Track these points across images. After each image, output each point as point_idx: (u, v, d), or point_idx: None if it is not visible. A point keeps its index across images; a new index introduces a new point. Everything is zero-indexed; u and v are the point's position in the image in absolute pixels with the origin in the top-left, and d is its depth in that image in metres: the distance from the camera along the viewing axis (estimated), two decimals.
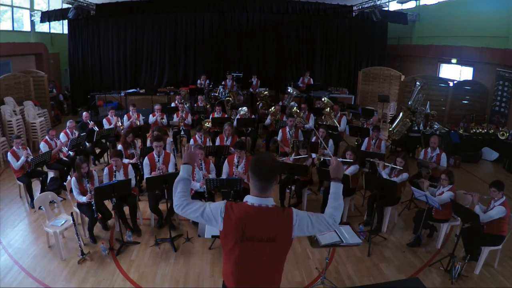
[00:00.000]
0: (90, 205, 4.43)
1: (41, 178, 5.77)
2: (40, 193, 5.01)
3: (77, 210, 4.71)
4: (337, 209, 2.05)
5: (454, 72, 11.03)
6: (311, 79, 11.51)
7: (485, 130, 8.19)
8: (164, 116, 7.85)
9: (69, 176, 6.08)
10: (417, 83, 8.27)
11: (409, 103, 8.39)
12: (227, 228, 1.94)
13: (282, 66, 12.90)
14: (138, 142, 6.59)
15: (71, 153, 6.37)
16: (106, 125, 7.39)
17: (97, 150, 7.23)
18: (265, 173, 1.91)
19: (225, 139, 6.37)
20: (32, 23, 11.03)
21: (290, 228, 1.94)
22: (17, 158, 5.47)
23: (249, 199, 1.97)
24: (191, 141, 6.50)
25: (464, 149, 7.91)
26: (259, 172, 1.91)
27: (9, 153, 5.50)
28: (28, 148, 5.74)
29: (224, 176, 5.11)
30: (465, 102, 9.65)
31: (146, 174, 5.00)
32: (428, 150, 5.76)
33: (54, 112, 10.58)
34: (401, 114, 8.09)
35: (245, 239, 1.92)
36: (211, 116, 8.06)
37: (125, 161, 5.51)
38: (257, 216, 1.93)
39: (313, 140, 6.80)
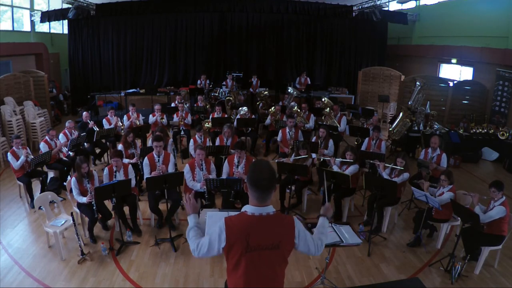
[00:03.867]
0: (90, 205, 4.42)
1: (41, 178, 5.76)
2: (40, 193, 5.01)
3: (77, 210, 4.71)
4: (324, 236, 2.32)
5: (454, 72, 11.03)
6: (308, 79, 11.50)
7: (485, 130, 8.20)
8: (164, 116, 7.85)
9: (69, 176, 6.08)
10: (417, 83, 8.28)
11: (409, 103, 8.39)
12: (231, 242, 1.92)
13: (282, 66, 12.91)
14: (138, 142, 6.59)
15: (71, 153, 6.37)
16: (106, 125, 7.39)
17: (97, 150, 7.24)
18: (264, 183, 1.90)
19: (225, 140, 6.37)
20: (32, 23, 11.04)
21: (292, 234, 2.02)
22: (17, 158, 5.47)
23: (249, 209, 1.95)
24: (191, 141, 6.50)
25: (464, 149, 7.91)
26: (257, 183, 1.90)
27: (9, 153, 5.50)
28: (27, 148, 5.73)
29: (224, 176, 5.11)
30: (465, 102, 9.65)
31: (146, 174, 5.00)
32: (429, 150, 5.75)
33: (54, 112, 10.58)
34: (401, 114, 8.09)
35: (250, 250, 1.91)
36: (211, 116, 8.06)
37: (125, 161, 5.51)
38: (259, 226, 1.93)
39: (313, 140, 6.81)
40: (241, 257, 1.93)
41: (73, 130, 6.75)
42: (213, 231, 1.98)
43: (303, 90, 11.05)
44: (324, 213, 2.46)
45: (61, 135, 6.54)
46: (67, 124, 6.74)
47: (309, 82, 11.43)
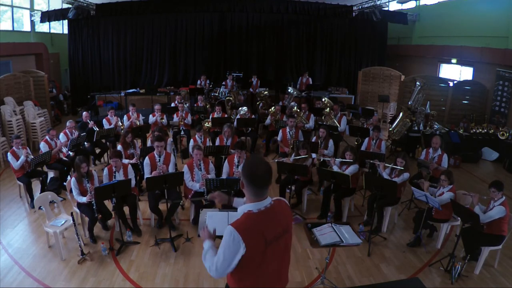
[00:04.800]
0: (90, 205, 4.43)
1: (41, 178, 5.76)
2: (40, 193, 5.01)
3: (77, 210, 4.71)
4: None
5: (454, 72, 11.03)
6: (310, 79, 11.50)
7: (485, 130, 8.19)
8: (164, 116, 7.85)
9: (69, 176, 6.08)
10: (417, 83, 8.27)
11: (409, 103, 8.39)
12: (251, 245, 1.85)
13: (282, 66, 12.91)
14: (138, 142, 6.59)
15: (70, 153, 6.36)
16: (106, 125, 7.38)
17: (97, 150, 7.24)
18: (261, 179, 1.89)
19: (225, 140, 6.37)
20: (32, 23, 11.04)
21: (290, 211, 2.15)
22: (17, 158, 5.47)
23: (251, 207, 1.93)
24: (191, 141, 6.50)
25: (464, 149, 7.91)
26: (254, 179, 1.89)
27: (9, 153, 5.50)
28: (27, 148, 5.73)
29: (224, 176, 5.11)
30: (465, 102, 9.65)
31: (147, 174, 5.00)
32: (430, 150, 5.75)
33: (54, 112, 10.58)
34: (401, 114, 8.09)
35: (269, 244, 1.92)
36: (211, 116, 8.06)
37: (125, 161, 5.51)
38: (269, 218, 1.95)
39: (313, 140, 6.81)
40: (263, 254, 1.92)
41: (73, 130, 6.76)
42: (227, 240, 1.86)
43: (301, 90, 11.05)
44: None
45: (61, 135, 6.55)
46: (68, 124, 6.74)
47: (311, 83, 11.43)
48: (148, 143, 6.88)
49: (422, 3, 12.10)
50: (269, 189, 2.01)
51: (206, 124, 8.21)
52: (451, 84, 9.83)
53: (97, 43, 11.85)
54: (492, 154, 8.07)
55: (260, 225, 1.91)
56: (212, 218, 2.94)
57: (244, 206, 1.97)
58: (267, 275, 2.00)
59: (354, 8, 12.10)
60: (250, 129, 7.96)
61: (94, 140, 6.92)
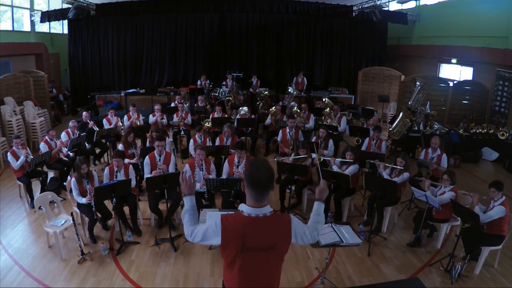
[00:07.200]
0: (90, 205, 4.43)
1: (41, 178, 5.76)
2: (40, 193, 5.01)
3: (77, 210, 4.70)
4: (320, 223, 2.21)
5: (454, 72, 11.03)
6: (305, 79, 11.48)
7: (485, 130, 8.19)
8: (164, 116, 7.85)
9: (69, 176, 6.08)
10: (417, 83, 8.27)
11: (409, 103, 8.39)
12: (226, 241, 1.91)
13: (282, 66, 12.92)
14: (138, 142, 6.59)
15: (70, 153, 6.36)
16: (106, 125, 7.38)
17: (97, 150, 7.23)
18: (262, 184, 1.87)
19: (225, 140, 6.37)
20: (32, 23, 11.05)
21: (289, 234, 1.98)
22: (17, 158, 5.46)
23: (245, 209, 1.93)
24: (191, 141, 6.50)
25: (464, 149, 7.91)
26: (255, 183, 1.87)
27: (9, 153, 5.50)
28: (27, 148, 5.73)
29: (224, 176, 5.11)
30: (465, 102, 9.65)
31: (147, 174, 5.00)
32: (429, 150, 5.74)
33: (54, 112, 10.58)
34: (401, 114, 8.09)
35: (245, 250, 1.90)
36: (211, 116, 8.06)
37: (126, 161, 5.50)
38: (255, 227, 1.91)
39: (313, 140, 6.80)
40: (236, 256, 1.92)
41: (75, 130, 6.76)
42: (210, 225, 1.96)
43: (300, 90, 11.04)
44: (319, 196, 2.28)
45: (63, 134, 6.57)
46: (70, 123, 6.76)
47: (306, 83, 11.41)
48: (148, 143, 6.88)
49: (422, 3, 12.11)
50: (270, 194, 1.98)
51: (206, 124, 8.21)
52: (451, 84, 9.83)
53: (97, 43, 11.86)
54: (492, 154, 8.07)
55: (243, 229, 1.89)
56: (212, 218, 2.94)
57: (242, 205, 1.97)
58: (236, 280, 1.97)
59: (354, 8, 12.11)
60: (250, 129, 7.97)
61: (94, 140, 6.92)
